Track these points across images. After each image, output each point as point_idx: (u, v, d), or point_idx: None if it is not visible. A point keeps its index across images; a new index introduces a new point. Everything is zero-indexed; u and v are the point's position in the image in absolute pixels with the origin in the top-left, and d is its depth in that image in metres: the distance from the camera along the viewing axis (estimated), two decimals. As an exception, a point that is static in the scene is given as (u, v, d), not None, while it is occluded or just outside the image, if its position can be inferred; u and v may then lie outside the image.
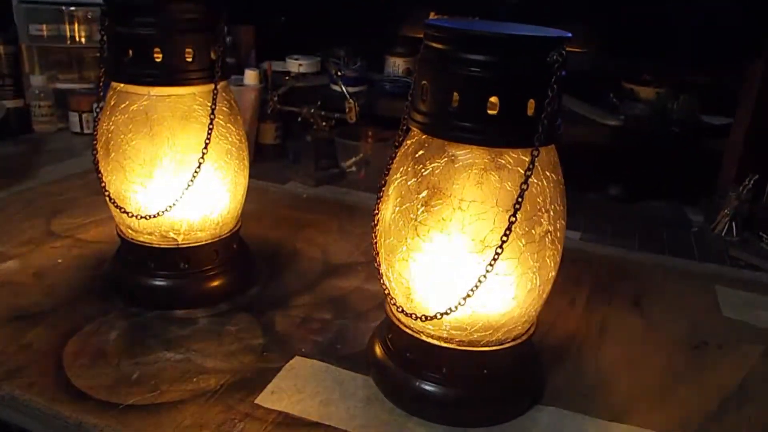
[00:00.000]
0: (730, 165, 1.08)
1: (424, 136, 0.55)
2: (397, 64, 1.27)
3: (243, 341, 0.69)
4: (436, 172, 0.53)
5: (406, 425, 0.59)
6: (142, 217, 0.70)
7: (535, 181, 0.52)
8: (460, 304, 0.53)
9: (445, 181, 0.52)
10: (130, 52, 0.66)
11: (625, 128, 1.07)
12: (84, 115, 1.33)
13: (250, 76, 1.22)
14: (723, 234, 1.03)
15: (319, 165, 1.18)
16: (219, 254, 0.76)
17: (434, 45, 0.53)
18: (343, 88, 1.11)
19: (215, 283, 0.76)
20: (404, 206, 0.55)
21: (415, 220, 0.54)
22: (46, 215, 0.96)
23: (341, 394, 0.62)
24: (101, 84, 0.71)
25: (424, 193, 0.54)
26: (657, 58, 1.15)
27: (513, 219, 0.51)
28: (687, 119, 1.08)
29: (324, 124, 1.17)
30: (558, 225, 0.55)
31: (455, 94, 0.51)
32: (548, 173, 0.54)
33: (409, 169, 0.55)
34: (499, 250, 0.51)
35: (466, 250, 0.53)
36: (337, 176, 1.20)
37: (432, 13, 1.16)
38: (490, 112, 0.50)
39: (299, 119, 1.17)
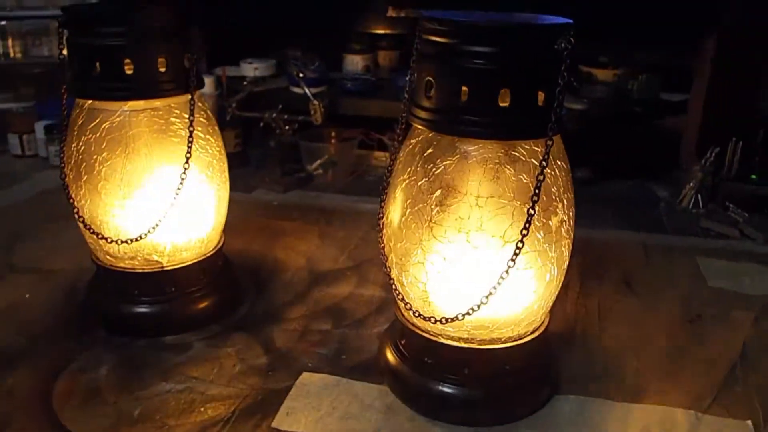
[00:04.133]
0: (690, 139, 1.12)
1: (431, 134, 0.53)
2: (355, 62, 1.25)
3: (245, 362, 0.66)
4: (449, 170, 0.51)
5: (428, 430, 0.57)
6: (123, 242, 0.65)
7: (549, 171, 0.52)
8: (482, 303, 0.52)
9: (460, 178, 0.51)
10: (98, 65, 0.61)
11: (589, 111, 1.09)
12: (25, 137, 1.24)
13: (206, 84, 1.16)
14: (690, 207, 1.06)
15: (285, 170, 1.15)
16: (206, 273, 0.72)
17: (437, 39, 0.51)
18: (306, 90, 1.08)
19: (204, 304, 0.72)
20: (416, 208, 0.53)
21: (430, 221, 0.52)
22: (3, 247, 0.89)
23: (359, 406, 0.60)
24: (64, 102, 0.66)
25: (438, 193, 0.52)
26: (611, 40, 1.17)
27: (532, 212, 0.50)
28: (647, 98, 1.10)
29: (287, 127, 1.14)
30: (570, 214, 0.55)
31: (464, 88, 0.49)
32: (559, 162, 0.53)
33: (418, 169, 0.53)
34: (519, 245, 0.50)
35: (486, 247, 0.52)
36: (304, 180, 1.17)
37: (390, 9, 1.14)
38: (501, 104, 0.49)
39: (261, 124, 1.13)
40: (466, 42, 0.49)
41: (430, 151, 0.53)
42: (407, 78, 0.56)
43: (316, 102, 1.06)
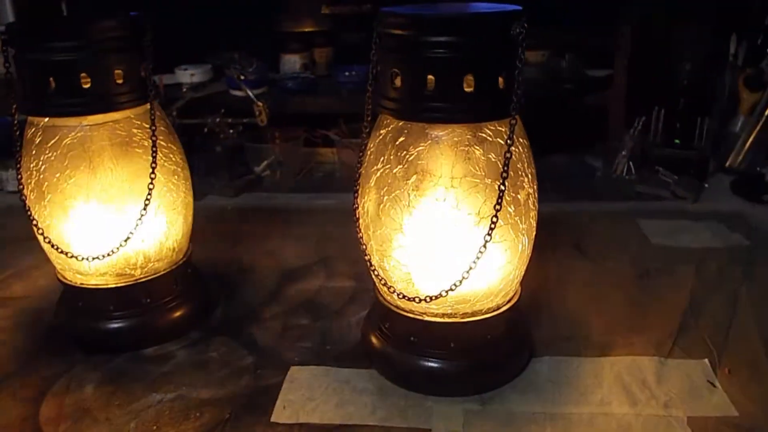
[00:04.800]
0: (616, 111, 1.19)
1: (401, 123, 0.56)
2: (293, 61, 1.25)
3: (231, 365, 0.67)
4: (423, 155, 0.54)
5: (424, 405, 0.60)
6: (94, 258, 0.65)
7: (514, 149, 0.55)
8: (464, 277, 0.55)
9: (434, 162, 0.54)
10: (52, 81, 0.60)
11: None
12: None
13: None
14: (624, 174, 1.13)
15: (233, 174, 1.15)
16: (178, 282, 0.72)
17: (400, 32, 0.53)
18: (249, 92, 1.08)
19: (180, 313, 0.72)
20: (393, 194, 0.56)
21: (408, 205, 0.55)
22: (-50, 280, 0.86)
23: (352, 392, 0.62)
24: (15, 122, 0.64)
25: (414, 178, 0.55)
26: (535, 22, 1.22)
27: (503, 187, 0.53)
28: (575, 76, 1.17)
29: (231, 131, 1.14)
30: (534, 187, 0.59)
31: (430, 77, 0.52)
32: (521, 140, 0.57)
33: (392, 157, 0.56)
34: (494, 219, 0.54)
35: (463, 224, 0.55)
36: (253, 182, 1.17)
37: (324, 6, 1.16)
38: (467, 89, 0.52)
39: (205, 130, 1.12)
40: (430, 33, 0.51)
41: (402, 139, 0.55)
42: (371, 71, 0.59)
43: (260, 103, 1.06)
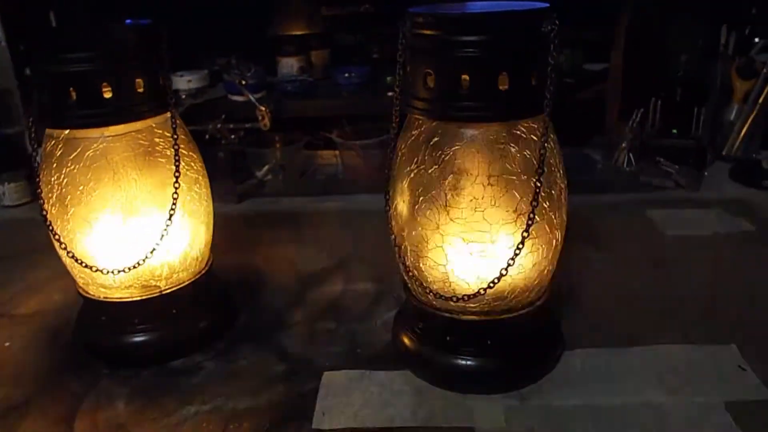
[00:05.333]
0: (613, 104, 1.21)
1: (434, 123, 0.56)
2: (290, 64, 1.25)
3: (263, 373, 0.66)
4: (459, 155, 0.54)
5: (464, 404, 0.60)
6: (119, 271, 0.64)
7: (547, 144, 0.56)
8: (502, 274, 0.56)
9: (470, 161, 0.54)
10: (73, 93, 0.59)
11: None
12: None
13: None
14: (625, 166, 1.15)
15: (237, 180, 1.14)
16: (202, 291, 0.71)
17: (431, 32, 0.53)
18: (251, 96, 1.07)
19: (205, 323, 0.71)
20: (429, 194, 0.56)
21: (446, 205, 0.55)
22: (-41, 299, 0.83)
23: (390, 394, 0.62)
24: (32, 135, 0.63)
25: (450, 178, 0.55)
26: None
27: (538, 184, 0.54)
28: (574, 70, 1.18)
29: (233, 137, 1.13)
30: (565, 182, 0.59)
31: (465, 76, 0.52)
32: (552, 136, 0.57)
33: (426, 157, 0.56)
34: (531, 215, 0.54)
35: (501, 222, 0.55)
36: (256, 187, 1.16)
37: (324, 8, 1.15)
38: (501, 88, 0.52)
39: (207, 137, 1.11)
40: (465, 33, 0.52)
41: (436, 139, 0.55)
42: (397, 72, 0.59)
43: (263, 107, 1.05)
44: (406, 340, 0.65)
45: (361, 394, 0.62)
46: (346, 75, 1.20)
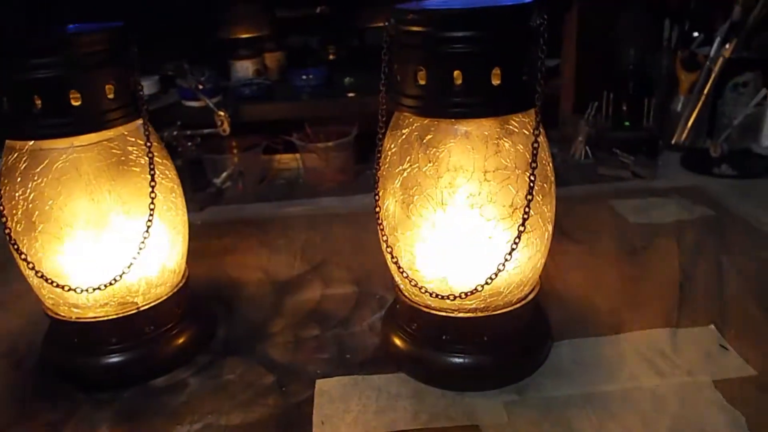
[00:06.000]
0: (567, 98, 1.24)
1: (426, 121, 0.55)
2: (245, 67, 1.21)
3: (253, 385, 0.64)
4: (454, 151, 0.54)
5: (463, 402, 0.60)
6: (95, 289, 0.60)
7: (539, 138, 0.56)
8: (499, 270, 0.56)
9: (466, 158, 0.54)
10: (38, 101, 0.55)
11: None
12: None
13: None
14: (582, 158, 1.18)
15: (196, 188, 1.10)
16: (179, 305, 0.68)
17: (422, 29, 0.52)
18: (209, 102, 1.03)
19: (185, 337, 0.68)
20: (425, 193, 0.55)
21: (442, 203, 0.55)
22: None
23: (387, 398, 0.61)
24: (-9, 148, 0.58)
25: (446, 175, 0.54)
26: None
27: (533, 177, 0.54)
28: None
29: (190, 144, 1.09)
30: (554, 175, 0.60)
31: (457, 72, 0.52)
32: (541, 129, 0.58)
33: (420, 155, 0.55)
34: (527, 209, 0.54)
35: (498, 217, 0.55)
36: (216, 195, 1.12)
37: (277, 10, 1.12)
38: (494, 82, 0.52)
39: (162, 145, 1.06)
40: (457, 29, 0.51)
41: (429, 136, 0.55)
42: (383, 69, 0.58)
43: (221, 112, 1.02)
44: (398, 342, 0.64)
45: (358, 400, 0.61)
46: (304, 77, 1.18)
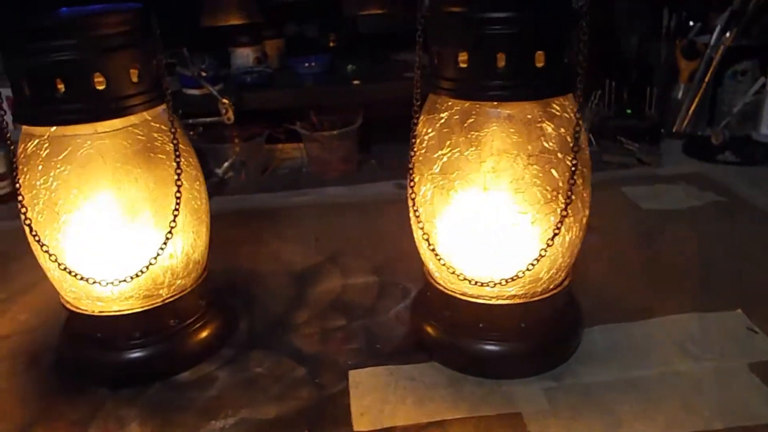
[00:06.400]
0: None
1: (467, 104, 0.54)
2: (246, 55, 1.18)
3: (284, 378, 0.62)
4: (497, 135, 0.53)
5: (501, 390, 0.59)
6: (121, 282, 0.58)
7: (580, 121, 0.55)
8: (541, 255, 0.55)
9: (510, 141, 0.53)
10: (60, 85, 0.53)
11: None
12: None
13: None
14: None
15: (198, 179, 1.07)
16: (203, 297, 0.66)
17: (463, 10, 0.51)
18: (213, 90, 1.01)
19: (209, 330, 0.66)
20: (467, 178, 0.54)
21: (485, 188, 0.54)
22: None
23: (424, 387, 0.60)
24: (8, 136, 0.56)
25: (490, 160, 0.53)
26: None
27: (575, 161, 0.53)
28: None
29: (192, 133, 1.06)
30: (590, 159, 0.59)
31: (501, 55, 0.51)
32: (578, 113, 0.57)
33: (462, 139, 0.54)
34: (569, 193, 0.54)
35: (542, 201, 0.54)
36: (218, 186, 1.10)
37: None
38: (538, 65, 0.51)
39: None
40: (501, 10, 0.50)
41: (471, 120, 0.53)
42: (417, 52, 0.56)
43: (225, 100, 1.00)
44: (430, 330, 0.63)
45: (394, 391, 0.60)
46: (306, 65, 1.16)
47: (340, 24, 1.26)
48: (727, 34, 1.16)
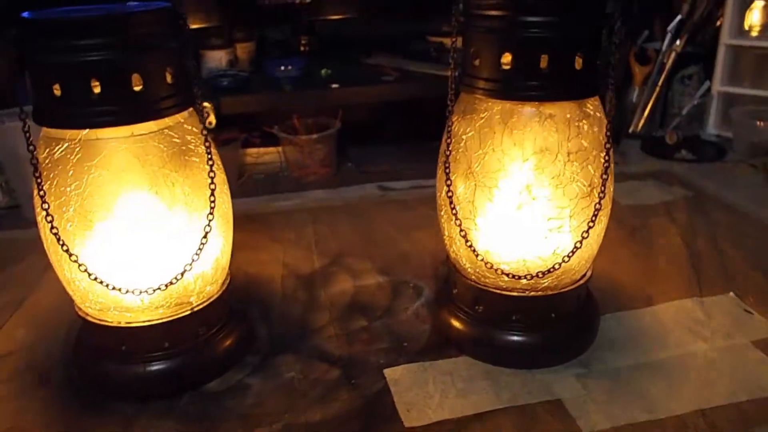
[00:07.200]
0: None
1: (508, 104, 0.56)
2: (218, 58, 1.15)
3: (321, 382, 0.61)
4: (540, 134, 0.55)
5: (537, 378, 0.61)
6: (155, 290, 0.55)
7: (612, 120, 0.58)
8: (576, 248, 0.58)
9: (552, 139, 0.55)
10: (97, 86, 0.50)
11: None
12: None
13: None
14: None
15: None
16: (226, 304, 0.65)
17: (506, 13, 0.53)
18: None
19: (233, 338, 0.64)
20: (509, 176, 0.56)
21: (527, 185, 0.56)
22: None
23: (463, 381, 0.61)
24: (30, 138, 0.52)
25: (532, 158, 0.55)
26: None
27: (607, 157, 0.57)
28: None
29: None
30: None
31: (544, 57, 0.53)
32: (610, 111, 0.60)
33: (504, 138, 0.56)
34: (603, 188, 0.57)
35: (579, 196, 0.57)
36: (195, 192, 1.07)
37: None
38: (577, 66, 0.54)
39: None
40: (544, 14, 0.52)
41: (513, 119, 0.55)
42: (451, 53, 0.58)
43: (208, 104, 0.97)
44: (458, 325, 0.65)
45: (434, 386, 0.60)
46: (282, 68, 1.14)
47: (311, 28, 1.26)
48: (678, 42, 1.24)
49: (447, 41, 1.28)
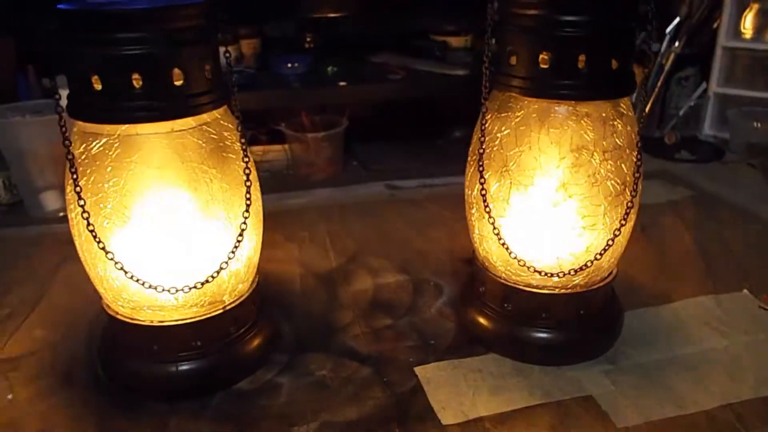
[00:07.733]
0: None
1: (545, 103, 0.56)
2: (227, 53, 1.13)
3: (353, 381, 0.61)
4: (577, 132, 0.56)
5: (566, 375, 0.62)
6: (191, 288, 0.55)
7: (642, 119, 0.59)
8: (608, 245, 0.58)
9: (588, 138, 0.56)
10: (137, 80, 0.49)
11: (471, 75, 1.19)
12: None
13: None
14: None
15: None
16: (255, 303, 0.64)
17: (542, 13, 0.54)
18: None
19: (261, 337, 0.64)
20: (546, 174, 0.56)
21: (564, 183, 0.56)
22: None
23: (493, 378, 0.61)
24: (66, 133, 0.51)
25: (569, 156, 0.56)
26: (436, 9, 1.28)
27: (639, 156, 0.58)
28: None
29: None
30: (640, 155, 0.64)
31: (582, 56, 0.54)
32: (643, 111, 0.61)
33: (541, 136, 0.56)
34: (635, 185, 0.58)
35: (613, 194, 0.57)
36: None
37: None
38: (613, 66, 0.55)
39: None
40: (583, 14, 0.53)
41: (551, 118, 0.56)
42: (486, 51, 0.58)
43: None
44: (486, 323, 0.65)
45: (466, 383, 0.61)
46: (289, 65, 1.14)
47: (316, 25, 1.25)
48: (676, 44, 1.26)
49: (451, 40, 1.29)
